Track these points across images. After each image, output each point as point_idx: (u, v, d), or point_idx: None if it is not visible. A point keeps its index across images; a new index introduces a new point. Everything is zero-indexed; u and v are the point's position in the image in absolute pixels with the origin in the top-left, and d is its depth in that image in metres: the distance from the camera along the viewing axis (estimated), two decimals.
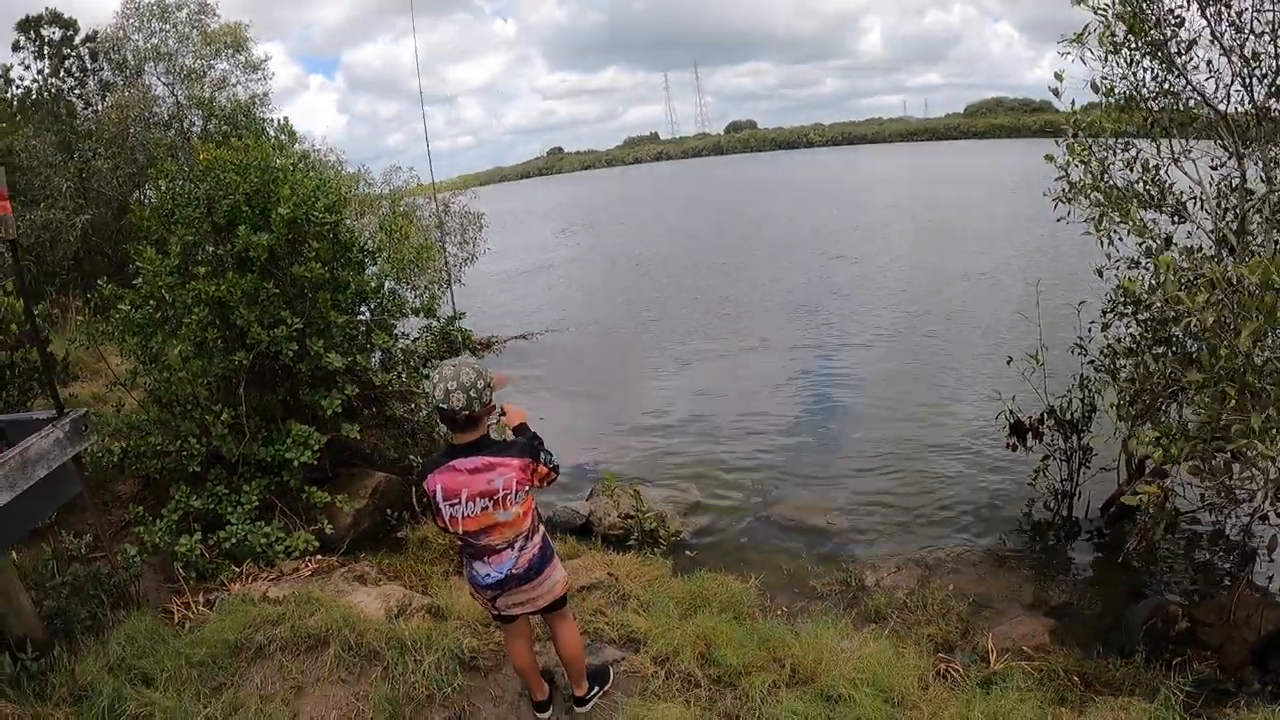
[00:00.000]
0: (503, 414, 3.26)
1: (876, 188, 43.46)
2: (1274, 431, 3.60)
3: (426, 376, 6.97)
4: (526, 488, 3.10)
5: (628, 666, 3.87)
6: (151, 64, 14.51)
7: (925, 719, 3.28)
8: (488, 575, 3.16)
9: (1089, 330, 5.84)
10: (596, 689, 3.64)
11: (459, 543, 3.22)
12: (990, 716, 3.26)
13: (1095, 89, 5.55)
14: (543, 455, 3.15)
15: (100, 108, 13.77)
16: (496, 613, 3.31)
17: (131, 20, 14.56)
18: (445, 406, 2.94)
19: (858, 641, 4.06)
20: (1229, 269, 3.87)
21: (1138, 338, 5.52)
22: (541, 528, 3.28)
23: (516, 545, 3.13)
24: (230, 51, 14.87)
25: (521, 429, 3.24)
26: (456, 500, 3.03)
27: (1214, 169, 5.39)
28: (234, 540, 5.30)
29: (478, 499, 3.02)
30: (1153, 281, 4.58)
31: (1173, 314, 4.37)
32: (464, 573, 3.41)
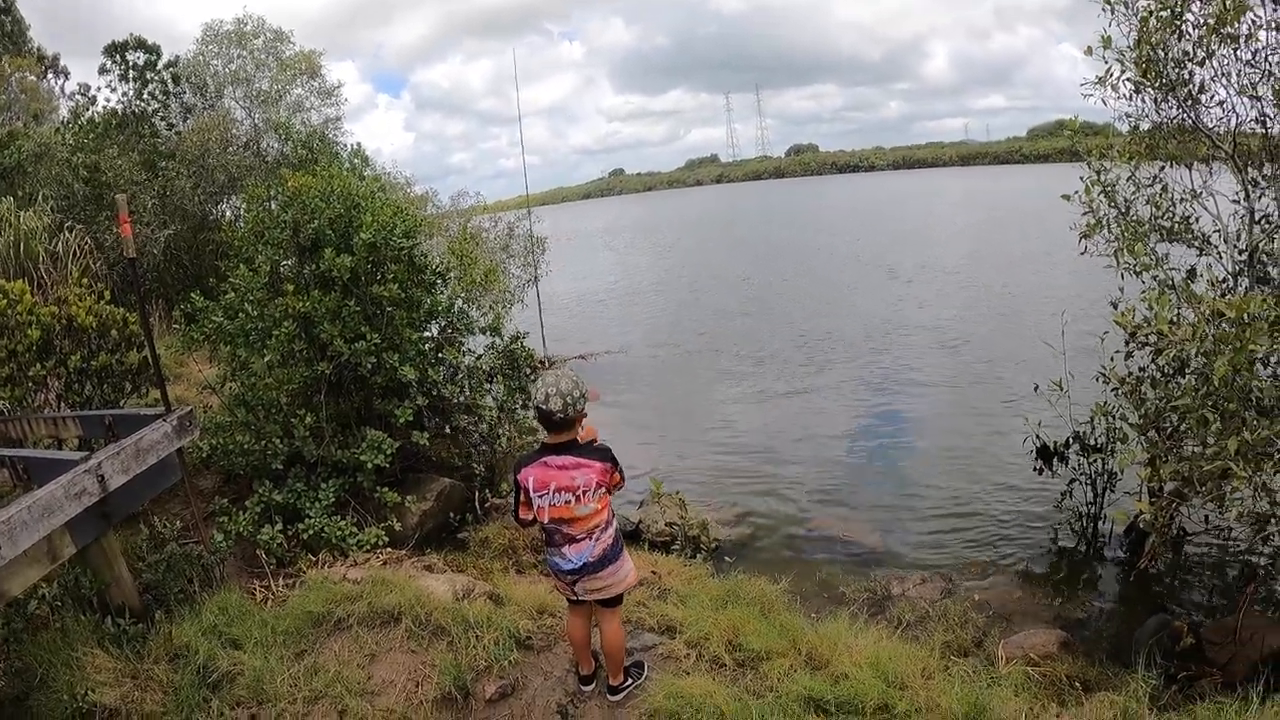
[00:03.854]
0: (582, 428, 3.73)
1: (936, 213, 43.01)
2: (1249, 455, 3.92)
3: (489, 391, 7.49)
4: (603, 489, 3.60)
5: (664, 650, 4.30)
6: (230, 88, 15.26)
7: (920, 700, 3.64)
8: (568, 562, 3.66)
9: (1111, 360, 5.91)
10: (630, 681, 4.01)
11: (543, 533, 3.73)
12: (979, 705, 3.59)
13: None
14: (619, 467, 3.68)
15: (182, 129, 14.44)
16: (575, 597, 3.79)
17: (210, 46, 15.33)
18: (544, 408, 3.47)
19: (871, 638, 4.44)
20: (1214, 303, 4.19)
21: (1161, 367, 5.56)
22: (614, 523, 3.76)
23: (593, 536, 3.62)
24: (305, 77, 15.58)
25: (591, 442, 3.71)
26: (545, 491, 3.55)
27: (1234, 203, 5.54)
28: (311, 532, 5.78)
29: (563, 492, 3.53)
30: (1146, 314, 4.84)
31: (1159, 345, 4.64)
32: (547, 560, 3.91)
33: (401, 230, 6.68)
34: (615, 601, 3.84)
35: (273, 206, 7.01)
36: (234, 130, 14.48)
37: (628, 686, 3.98)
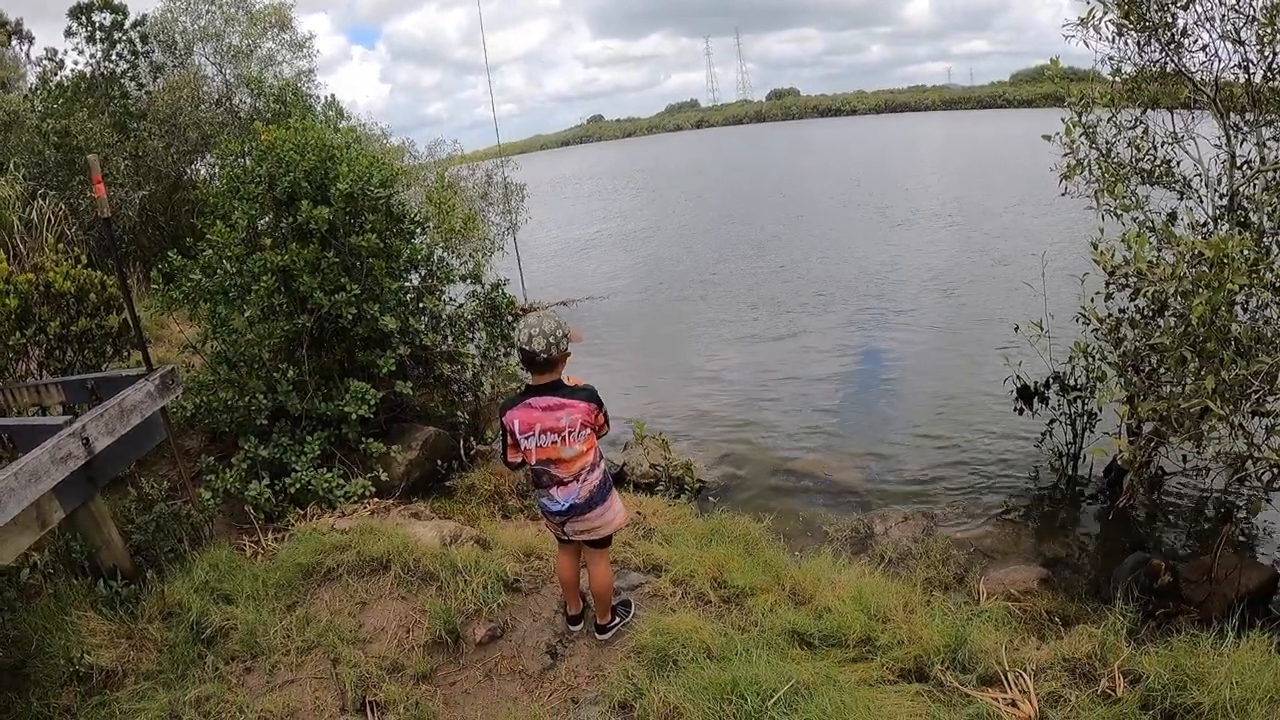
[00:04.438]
0: (568, 379, 3.71)
1: (922, 158, 42.69)
2: (1227, 394, 3.98)
3: (471, 340, 7.48)
4: (589, 429, 3.61)
5: (650, 588, 4.38)
6: (200, 44, 14.94)
7: (902, 633, 3.71)
8: (556, 504, 3.67)
9: (1091, 301, 5.90)
10: (618, 620, 4.07)
11: (531, 475, 3.75)
12: (960, 637, 3.66)
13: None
14: (604, 409, 3.69)
15: (152, 89, 14.16)
16: (565, 537, 3.83)
17: (178, 3, 14.96)
18: (527, 348, 3.46)
19: (854, 574, 4.52)
20: (1194, 244, 4.22)
21: (1141, 309, 5.60)
22: (602, 464, 3.78)
23: (580, 478, 3.64)
24: (275, 30, 15.29)
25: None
26: (530, 433, 3.55)
27: (1216, 148, 5.56)
28: (298, 486, 5.81)
29: (549, 433, 3.54)
30: (1125, 255, 4.85)
31: (1138, 285, 4.68)
32: (536, 502, 3.91)
33: (378, 180, 6.64)
34: (604, 542, 3.87)
35: (246, 162, 6.92)
36: (205, 87, 14.25)
37: (615, 625, 4.04)
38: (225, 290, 6.43)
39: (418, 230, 7.26)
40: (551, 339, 3.45)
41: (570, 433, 3.56)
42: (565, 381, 3.65)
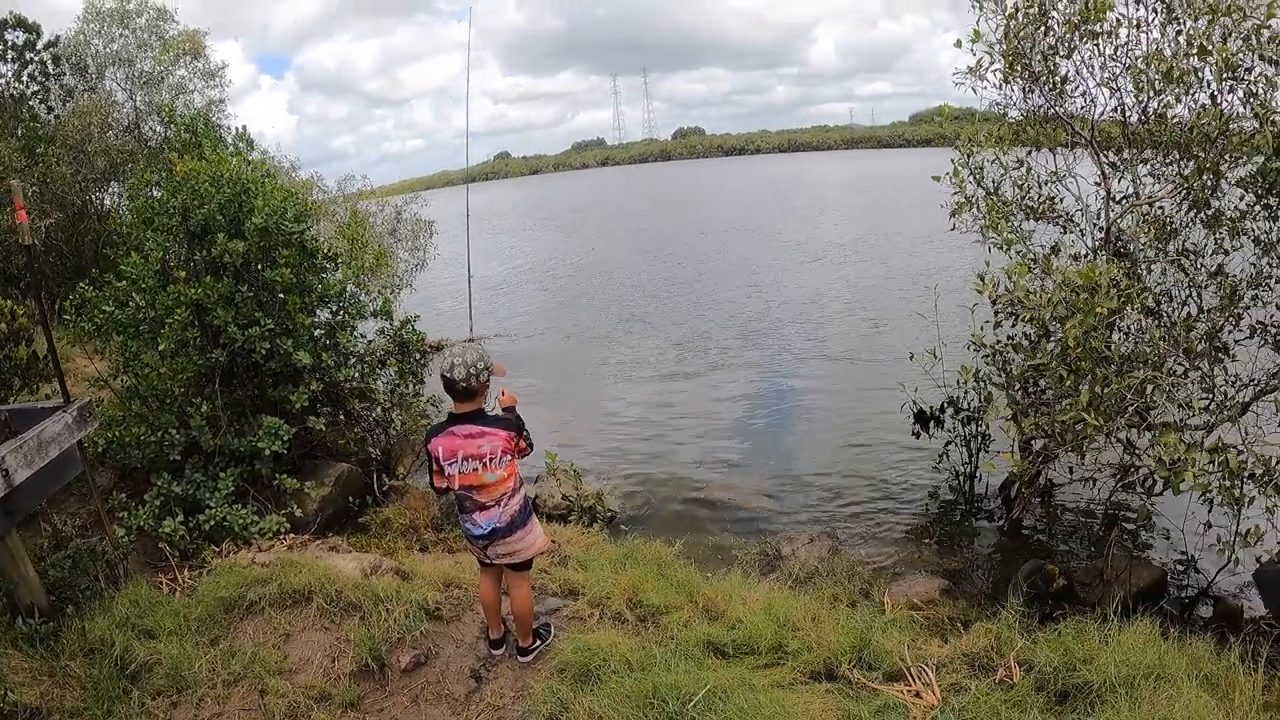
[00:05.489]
0: (501, 393, 3.92)
1: (830, 195, 43.85)
2: (1101, 407, 4.35)
3: (381, 376, 7.49)
4: (509, 456, 3.78)
5: (568, 611, 4.54)
6: (112, 69, 14.58)
7: (811, 639, 3.96)
8: (479, 528, 3.82)
9: (981, 329, 6.14)
10: (539, 643, 4.22)
11: (455, 500, 3.89)
12: (865, 639, 3.93)
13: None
14: (525, 433, 3.87)
15: (62, 113, 13.78)
16: (487, 561, 3.99)
17: (92, 25, 14.59)
18: (448, 376, 3.63)
19: (763, 590, 4.77)
20: (1066, 272, 4.60)
21: (1030, 335, 5.86)
22: (523, 490, 3.95)
23: (501, 503, 3.79)
24: (188, 58, 15.03)
25: (510, 409, 3.89)
26: (454, 460, 3.71)
27: (1095, 185, 5.99)
28: (213, 522, 5.75)
29: (470, 460, 3.69)
30: (1007, 285, 5.20)
31: (1018, 312, 5.05)
32: (460, 526, 4.07)
33: (293, 214, 6.65)
34: (525, 566, 4.02)
35: (155, 193, 6.84)
36: (115, 113, 13.86)
37: (537, 648, 4.18)
38: (137, 324, 6.34)
39: (330, 265, 7.28)
40: (473, 369, 3.62)
41: (491, 459, 3.72)
42: (500, 403, 3.86)
